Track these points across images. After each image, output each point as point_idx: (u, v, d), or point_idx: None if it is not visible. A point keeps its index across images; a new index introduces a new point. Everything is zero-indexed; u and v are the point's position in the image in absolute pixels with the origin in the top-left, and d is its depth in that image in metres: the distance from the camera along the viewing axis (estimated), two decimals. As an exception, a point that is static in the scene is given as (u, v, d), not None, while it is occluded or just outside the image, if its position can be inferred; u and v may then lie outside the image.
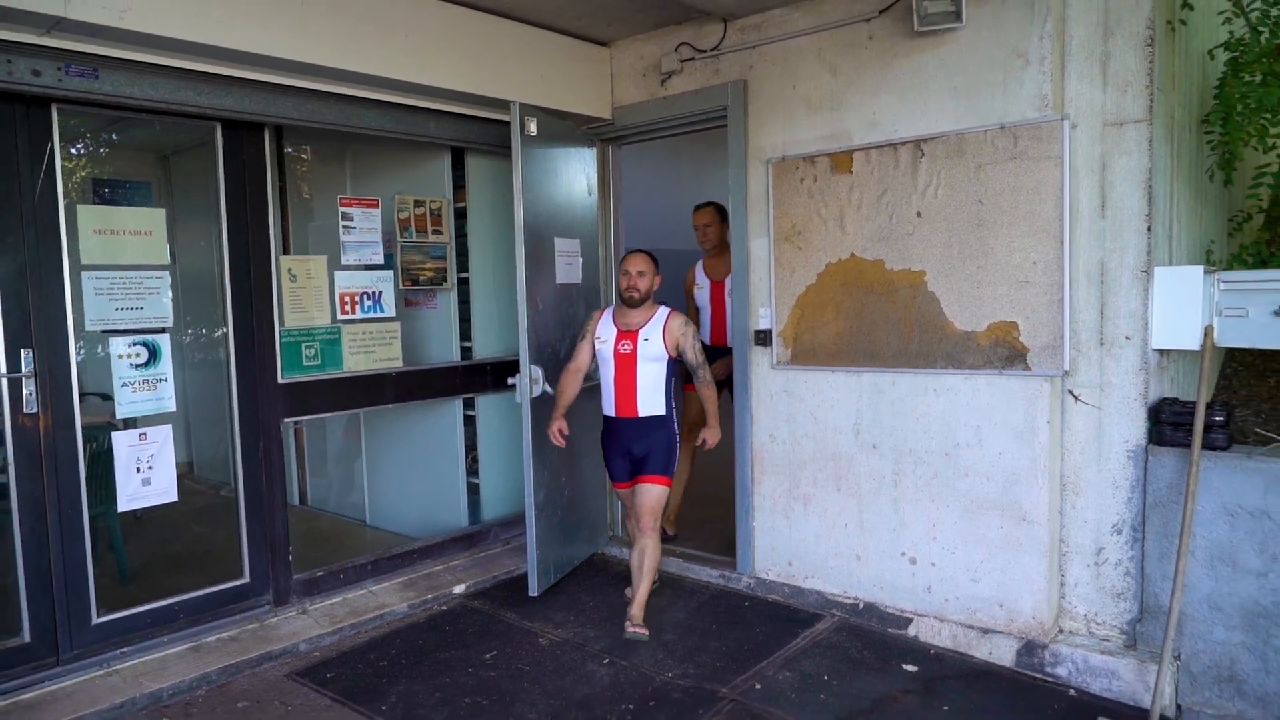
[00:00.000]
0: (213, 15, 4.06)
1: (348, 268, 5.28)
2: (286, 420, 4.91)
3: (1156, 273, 4.11)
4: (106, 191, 4.60)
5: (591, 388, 5.43)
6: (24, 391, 3.97)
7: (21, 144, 3.96)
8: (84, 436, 4.13)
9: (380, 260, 5.39)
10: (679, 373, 4.99)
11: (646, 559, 4.78)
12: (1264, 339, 3.87)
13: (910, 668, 4.39)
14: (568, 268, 5.45)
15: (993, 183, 4.37)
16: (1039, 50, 4.26)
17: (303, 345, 5.01)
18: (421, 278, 5.80)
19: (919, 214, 4.59)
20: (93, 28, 3.81)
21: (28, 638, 4.06)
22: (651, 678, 4.31)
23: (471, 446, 6.13)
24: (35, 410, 4.00)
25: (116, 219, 4.28)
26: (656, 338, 4.69)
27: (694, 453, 6.02)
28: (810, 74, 4.96)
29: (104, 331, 4.23)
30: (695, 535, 6.07)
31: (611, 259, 6.05)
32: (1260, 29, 4.18)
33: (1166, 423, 4.10)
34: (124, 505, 4.27)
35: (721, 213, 5.87)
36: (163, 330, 4.38)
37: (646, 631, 4.71)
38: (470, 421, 6.06)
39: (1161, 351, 4.22)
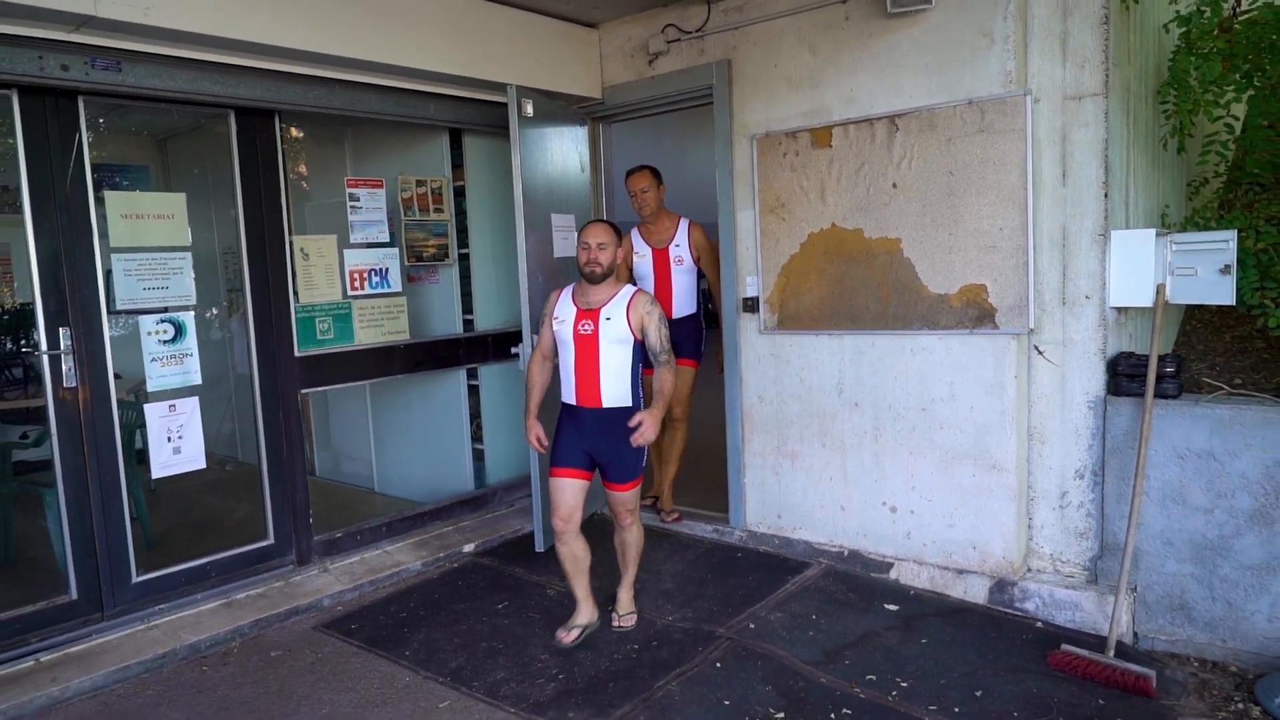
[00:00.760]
0: (228, 9, 4.36)
1: (356, 246, 5.60)
2: (304, 391, 5.24)
3: (1113, 236, 4.46)
4: (118, 178, 4.90)
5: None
6: (64, 367, 4.29)
7: (52, 135, 4.26)
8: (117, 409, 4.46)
9: (386, 238, 5.72)
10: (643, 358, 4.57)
11: (631, 549, 4.66)
12: (1211, 295, 4.22)
13: (892, 607, 4.77)
14: (564, 241, 5.77)
15: (962, 154, 4.71)
16: (1003, 30, 4.59)
17: (316, 320, 5.34)
18: (425, 254, 6.13)
19: (894, 185, 4.93)
20: (119, 24, 4.11)
21: (75, 595, 4.41)
22: (653, 621, 4.67)
23: (476, 414, 6.46)
24: (75, 385, 4.33)
25: (142, 204, 4.60)
26: (620, 317, 4.33)
27: (687, 424, 5.96)
28: (791, 53, 5.27)
29: (132, 311, 4.54)
30: (690, 493, 6.42)
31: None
32: (1204, 5, 4.51)
33: (1123, 374, 4.46)
34: (158, 472, 4.62)
35: (657, 176, 5.79)
36: (187, 308, 4.71)
37: (634, 619, 4.66)
38: (474, 391, 6.40)
39: (1119, 309, 4.58)
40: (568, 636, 4.44)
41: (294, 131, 6.93)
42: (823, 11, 5.14)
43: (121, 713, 3.96)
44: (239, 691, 4.11)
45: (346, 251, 5.55)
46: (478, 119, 5.92)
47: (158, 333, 4.60)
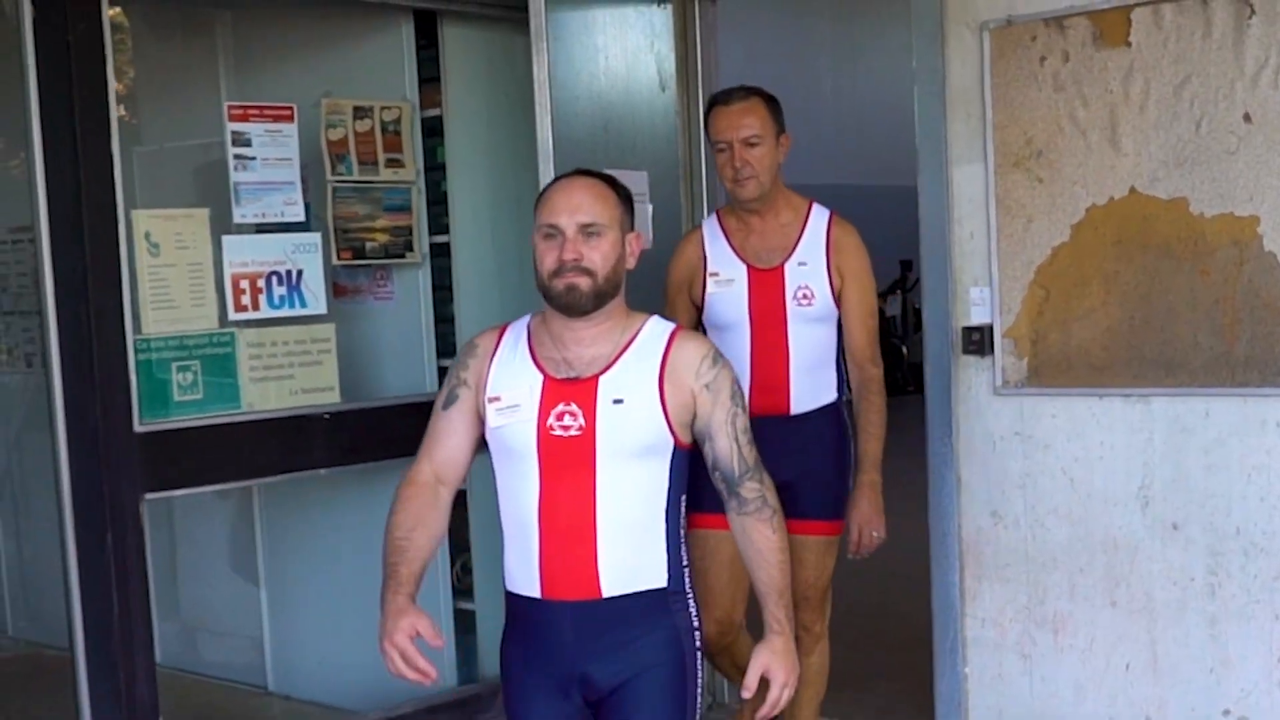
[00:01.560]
0: None
1: (243, 229, 5.87)
2: (148, 497, 5.47)
3: None
4: None
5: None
6: None
7: None
8: None
9: (299, 215, 6.00)
10: (696, 483, 4.08)
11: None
12: None
13: None
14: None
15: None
16: None
17: (173, 365, 5.60)
18: (369, 245, 6.37)
19: (1247, 117, 5.06)
20: None
21: None
22: None
23: (462, 547, 6.63)
24: None
25: None
26: (644, 394, 3.87)
27: (827, 640, 5.81)
28: None
29: None
30: (869, 690, 6.66)
31: (703, 205, 6.57)
32: None
33: None
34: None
35: (772, 110, 5.54)
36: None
37: None
38: (459, 504, 6.51)
39: None
40: None
41: (123, 17, 7.21)
42: None
43: None
44: None
45: (226, 240, 5.79)
46: (468, -7, 6.23)
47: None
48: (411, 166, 6.48)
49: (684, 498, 4.02)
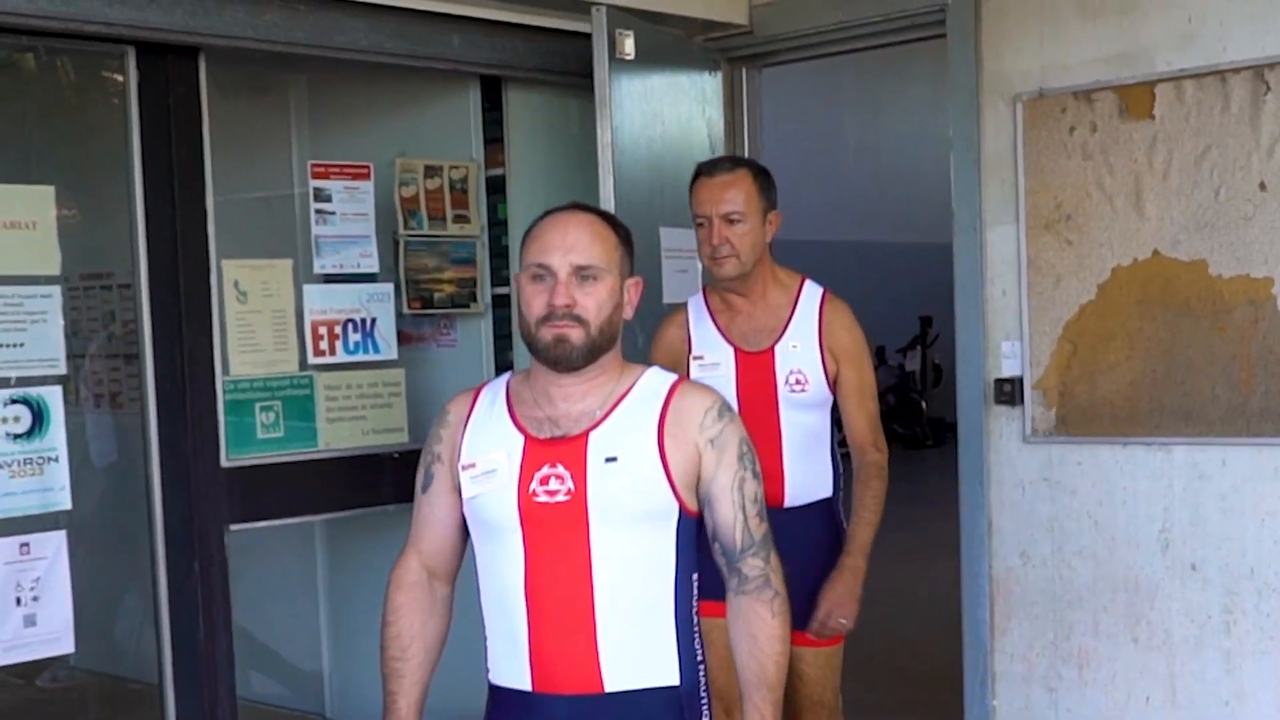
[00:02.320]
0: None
1: (322, 278, 6.23)
2: (233, 528, 5.81)
3: None
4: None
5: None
6: None
7: None
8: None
9: (372, 266, 6.34)
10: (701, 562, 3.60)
11: None
12: None
13: None
14: (681, 276, 6.28)
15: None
16: None
17: (256, 405, 5.95)
18: (436, 295, 6.71)
19: (1263, 186, 5.42)
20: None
21: None
22: None
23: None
24: None
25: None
26: (643, 455, 3.45)
27: None
28: (1085, -45, 5.81)
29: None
30: None
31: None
32: None
33: None
34: (2, 657, 5.21)
35: (761, 181, 5.16)
36: (53, 379, 5.33)
37: None
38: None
39: None
40: None
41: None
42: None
43: None
44: None
45: (308, 289, 6.16)
46: (531, 61, 6.54)
47: (4, 420, 5.25)
48: (476, 222, 6.80)
49: (696, 576, 3.54)
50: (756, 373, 5.17)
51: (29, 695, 7.09)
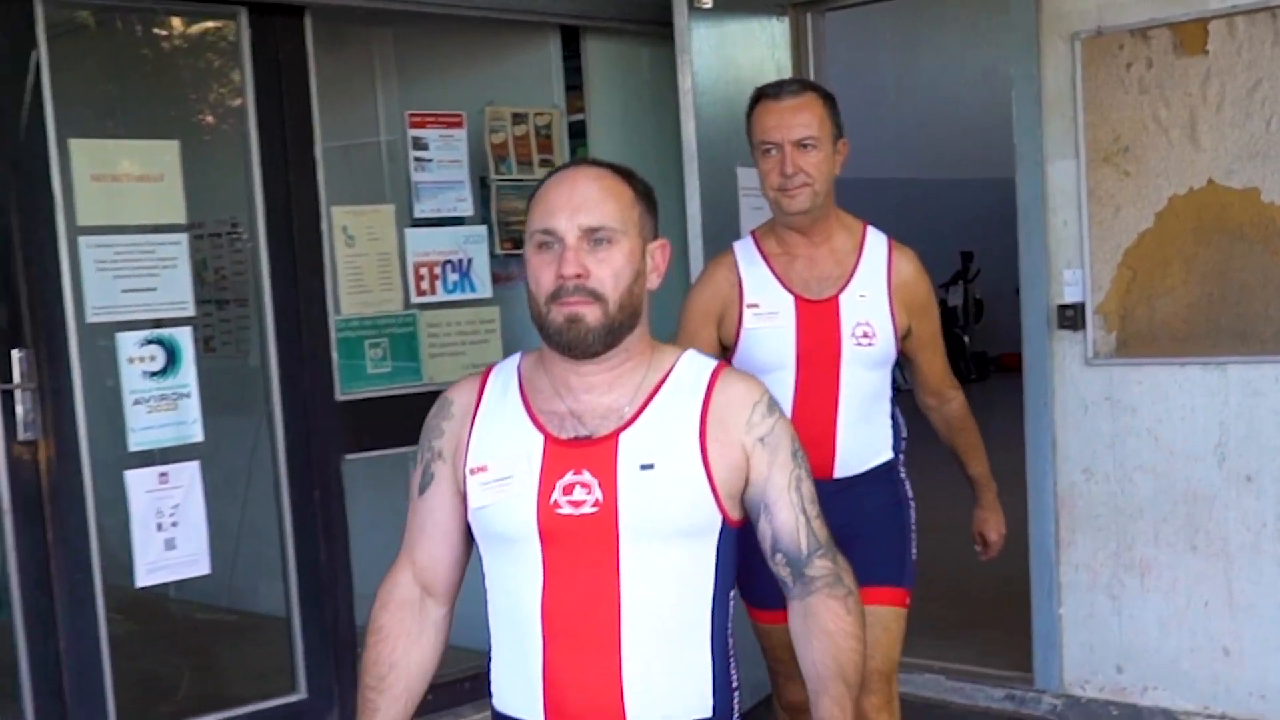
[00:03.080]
0: None
1: (422, 223, 6.60)
2: (348, 457, 6.25)
3: None
4: (82, 118, 5.99)
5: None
6: (18, 410, 5.36)
7: (2, 55, 5.37)
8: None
9: (469, 209, 6.71)
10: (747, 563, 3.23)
11: None
12: None
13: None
14: (756, 213, 6.61)
15: None
16: None
17: (365, 342, 6.37)
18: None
19: (1314, 116, 5.71)
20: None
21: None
22: None
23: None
24: (33, 437, 5.39)
25: (118, 157, 5.68)
26: (683, 456, 3.00)
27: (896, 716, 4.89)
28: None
29: (106, 325, 5.60)
30: (965, 643, 7.21)
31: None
32: None
33: None
34: (144, 578, 5.64)
35: (828, 106, 4.68)
36: (183, 321, 5.75)
37: None
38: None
39: None
40: None
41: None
42: None
43: None
44: None
45: (409, 232, 6.55)
46: (609, 10, 6.95)
47: (141, 359, 5.67)
48: (561, 163, 7.15)
49: (733, 593, 3.17)
50: (819, 323, 4.59)
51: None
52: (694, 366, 3.11)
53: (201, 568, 5.82)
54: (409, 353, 6.58)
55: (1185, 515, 6.15)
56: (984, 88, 17.70)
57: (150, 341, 5.70)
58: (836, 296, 4.59)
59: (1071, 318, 6.36)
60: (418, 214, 6.66)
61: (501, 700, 3.14)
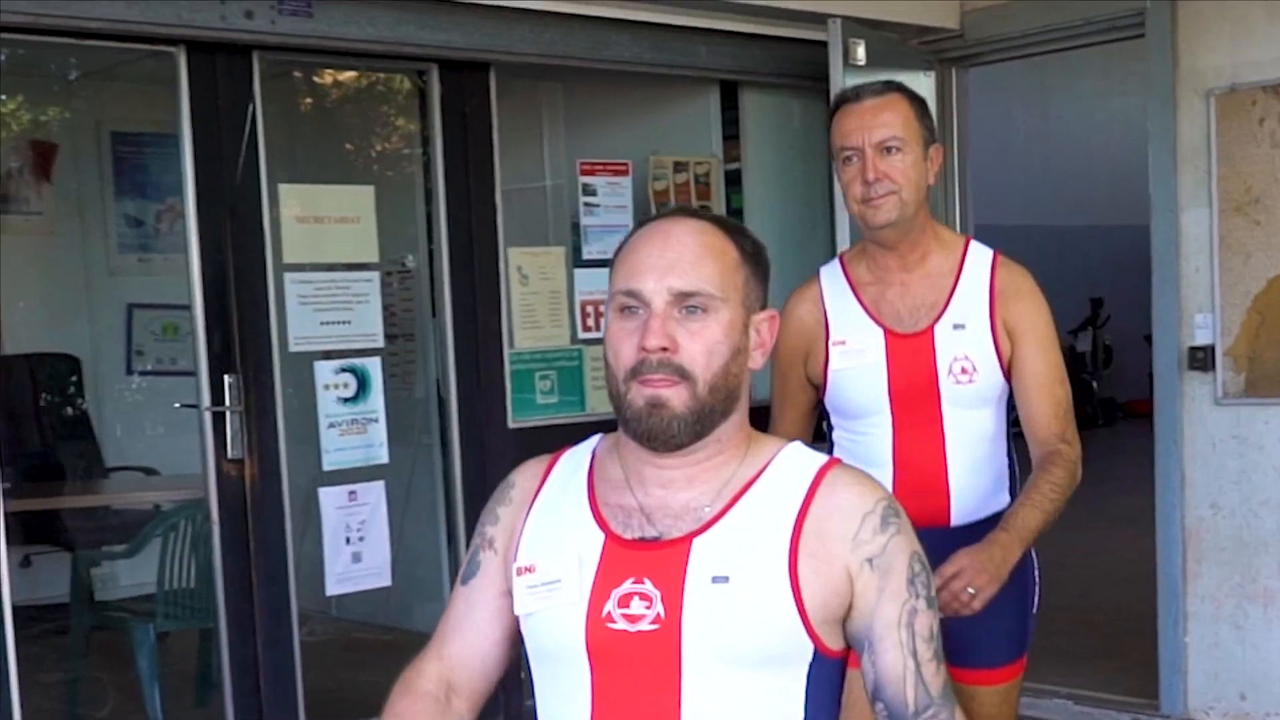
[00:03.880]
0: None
1: (589, 264, 7.02)
2: (518, 484, 6.70)
3: None
4: (290, 165, 6.51)
5: None
6: (229, 430, 5.87)
7: (223, 106, 5.86)
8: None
9: (631, 251, 7.17)
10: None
11: None
12: None
13: None
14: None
15: None
16: None
17: (536, 375, 6.82)
18: (683, 276, 7.54)
19: None
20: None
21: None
22: None
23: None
24: (240, 455, 5.90)
25: (321, 201, 6.20)
26: (767, 571, 2.48)
27: None
28: (1276, -45, 6.37)
29: (306, 354, 6.12)
30: (1092, 670, 7.45)
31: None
32: None
33: None
34: (333, 587, 6.14)
35: (918, 109, 4.09)
36: (372, 352, 6.25)
37: None
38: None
39: None
40: None
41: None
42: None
43: None
44: None
45: (577, 272, 7.00)
46: (767, 66, 7.32)
47: (336, 386, 6.18)
48: (717, 209, 7.50)
49: (837, 706, 2.62)
50: (911, 360, 4.05)
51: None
52: (796, 462, 2.59)
53: (383, 580, 6.29)
54: (574, 385, 6.99)
55: (1309, 549, 6.39)
56: (1113, 136, 18.00)
57: (344, 370, 6.19)
58: (931, 328, 4.03)
59: (1202, 359, 6.62)
60: (585, 255, 7.08)
61: None
